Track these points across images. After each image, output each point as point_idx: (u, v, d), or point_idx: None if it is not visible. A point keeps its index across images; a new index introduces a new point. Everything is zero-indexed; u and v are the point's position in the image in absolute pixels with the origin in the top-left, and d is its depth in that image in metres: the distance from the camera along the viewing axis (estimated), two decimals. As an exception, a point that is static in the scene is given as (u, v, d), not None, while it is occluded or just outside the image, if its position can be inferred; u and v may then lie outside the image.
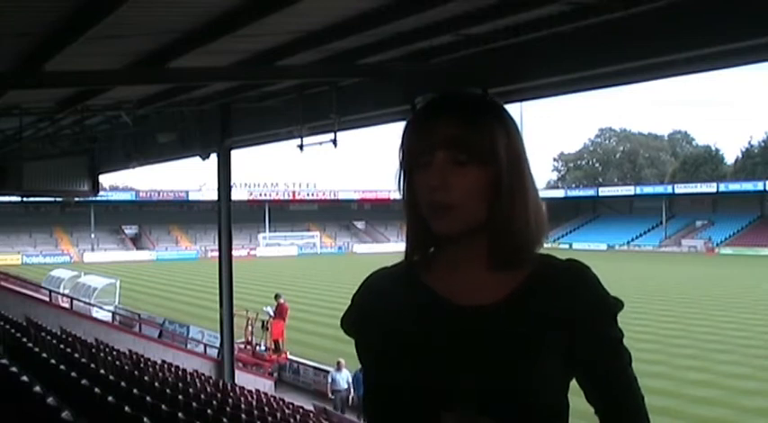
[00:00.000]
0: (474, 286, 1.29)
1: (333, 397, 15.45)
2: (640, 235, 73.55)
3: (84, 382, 8.03)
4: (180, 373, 14.43)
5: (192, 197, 70.77)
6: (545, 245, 1.34)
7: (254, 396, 13.11)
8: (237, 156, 19.47)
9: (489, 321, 1.26)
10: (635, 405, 1.32)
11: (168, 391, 9.72)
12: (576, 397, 1.33)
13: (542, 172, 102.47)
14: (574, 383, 1.32)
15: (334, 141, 11.10)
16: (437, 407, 1.23)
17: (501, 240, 1.28)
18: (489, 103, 1.31)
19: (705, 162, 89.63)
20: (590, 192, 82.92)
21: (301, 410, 12.61)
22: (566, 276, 1.29)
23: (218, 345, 17.55)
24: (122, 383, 8.99)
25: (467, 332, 1.26)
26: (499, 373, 1.23)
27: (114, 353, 14.97)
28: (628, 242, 72.00)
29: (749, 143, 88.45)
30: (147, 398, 8.03)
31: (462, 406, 1.22)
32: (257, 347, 20.02)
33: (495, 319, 1.26)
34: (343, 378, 15.40)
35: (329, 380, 15.80)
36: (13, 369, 8.31)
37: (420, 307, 1.30)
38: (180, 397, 9.11)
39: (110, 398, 7.25)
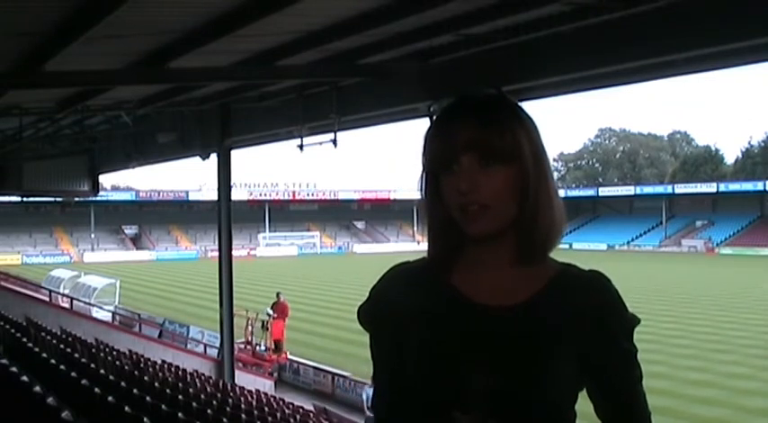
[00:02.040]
0: (496, 287, 1.30)
1: (370, 415, 14.87)
2: (640, 235, 73.54)
3: (84, 382, 8.02)
4: (180, 373, 14.42)
5: (192, 197, 70.74)
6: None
7: (254, 396, 13.11)
8: (237, 156, 19.49)
9: (507, 323, 1.27)
10: (641, 420, 1.33)
11: (168, 391, 9.71)
12: (583, 399, 1.34)
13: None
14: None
15: (335, 141, 11.10)
16: (450, 407, 1.24)
17: (528, 237, 1.29)
18: (507, 103, 1.32)
19: (705, 162, 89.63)
20: (590, 192, 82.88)
21: (301, 410, 12.61)
22: (587, 286, 1.31)
23: (218, 345, 17.55)
24: (122, 383, 8.98)
25: (484, 333, 1.27)
26: (513, 376, 1.24)
27: (114, 353, 14.96)
28: (628, 242, 71.99)
29: (749, 143, 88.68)
30: (147, 398, 8.03)
31: (475, 406, 1.23)
32: (257, 347, 20.02)
33: (512, 321, 1.27)
34: None
35: (363, 397, 14.82)
36: (13, 369, 8.30)
37: (439, 306, 1.31)
38: (180, 397, 9.10)
39: (110, 398, 7.24)
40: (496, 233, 1.28)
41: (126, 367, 12.30)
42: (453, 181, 1.27)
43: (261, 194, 72.13)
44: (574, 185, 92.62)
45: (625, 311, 1.31)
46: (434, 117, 1.33)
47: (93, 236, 66.43)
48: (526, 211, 1.28)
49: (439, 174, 1.30)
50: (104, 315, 24.15)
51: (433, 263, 1.36)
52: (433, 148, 1.31)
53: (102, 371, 9.94)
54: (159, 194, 72.24)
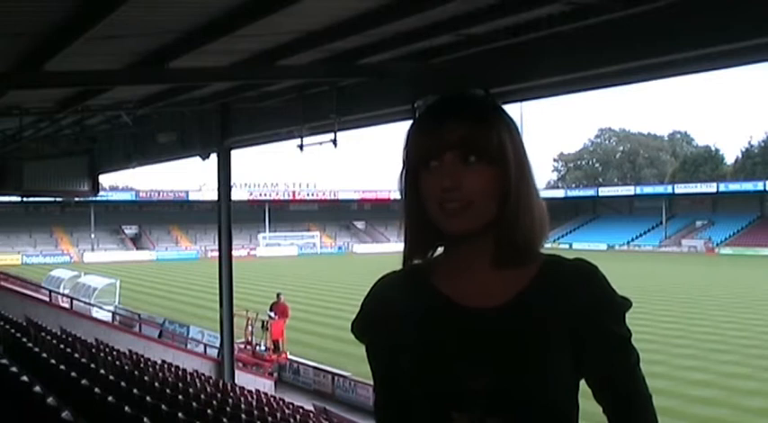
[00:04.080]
0: (481, 287, 1.30)
1: None
2: (640, 235, 73.53)
3: (84, 382, 8.02)
4: (180, 373, 14.42)
5: (192, 197, 70.73)
6: (545, 245, 1.35)
7: (254, 396, 13.10)
8: (237, 156, 19.48)
9: (497, 322, 1.27)
10: (643, 404, 1.32)
11: (168, 391, 9.71)
12: (583, 399, 1.33)
13: (542, 172, 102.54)
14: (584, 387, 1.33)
15: (335, 141, 11.09)
16: (448, 409, 1.25)
17: (508, 238, 1.29)
18: (494, 104, 1.32)
19: (705, 162, 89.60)
20: (590, 192, 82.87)
21: (301, 410, 12.61)
22: (573, 275, 1.30)
23: (218, 345, 17.55)
24: (122, 383, 8.98)
25: (475, 333, 1.27)
26: (508, 374, 1.24)
27: (114, 353, 14.96)
28: (628, 242, 71.97)
29: (749, 143, 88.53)
30: (147, 398, 8.02)
31: (472, 406, 1.24)
32: (257, 347, 20.03)
33: (502, 319, 1.27)
34: None
35: None
36: (13, 369, 8.30)
37: (428, 310, 1.31)
38: (180, 397, 9.10)
39: (110, 398, 7.24)
40: (475, 232, 1.28)
41: (126, 367, 12.29)
42: (435, 177, 1.26)
43: (261, 194, 72.11)
44: (574, 185, 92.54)
45: (615, 296, 1.30)
46: (419, 113, 1.33)
47: (93, 236, 66.41)
48: (507, 212, 1.28)
49: (419, 171, 1.30)
50: (104, 315, 24.13)
51: (416, 267, 1.36)
52: (417, 144, 1.30)
53: (102, 371, 9.93)
54: (159, 194, 72.20)
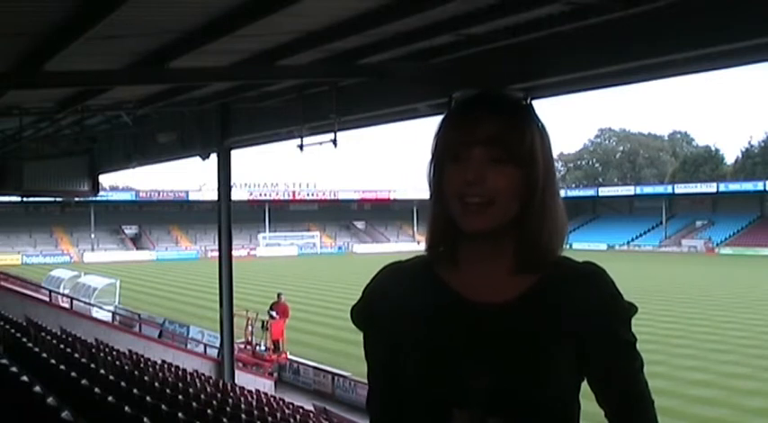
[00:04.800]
0: (490, 284, 1.29)
1: None
2: (640, 235, 73.52)
3: (84, 382, 8.02)
4: (180, 373, 14.41)
5: (192, 197, 70.69)
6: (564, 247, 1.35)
7: (254, 396, 13.10)
8: (237, 156, 19.48)
9: (501, 319, 1.27)
10: (644, 408, 1.32)
11: (168, 391, 9.71)
12: (584, 399, 1.33)
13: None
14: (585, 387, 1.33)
15: (334, 141, 11.09)
16: (449, 405, 1.24)
17: (528, 242, 1.28)
18: (531, 108, 1.32)
19: (705, 162, 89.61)
20: (590, 192, 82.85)
21: (301, 410, 12.61)
22: (582, 277, 1.30)
23: (218, 345, 17.55)
24: (122, 383, 8.97)
25: (480, 331, 1.27)
26: (510, 372, 1.24)
27: (114, 353, 14.95)
28: (628, 242, 71.96)
29: (749, 143, 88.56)
30: (147, 398, 8.02)
31: (474, 404, 1.23)
32: (257, 347, 20.03)
33: (507, 317, 1.27)
34: None
35: None
36: (13, 369, 8.29)
37: (434, 304, 1.30)
38: (180, 397, 9.09)
39: (110, 398, 7.24)
40: (492, 232, 1.27)
41: (126, 367, 12.28)
42: (460, 170, 1.26)
43: (261, 194, 72.07)
44: (574, 185, 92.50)
45: (622, 301, 1.30)
46: (454, 104, 1.32)
47: (93, 236, 66.40)
48: (531, 213, 1.27)
49: (445, 164, 1.29)
50: (104, 315, 24.13)
51: (429, 260, 1.35)
52: (447, 137, 1.30)
53: (102, 371, 9.92)
54: (159, 194, 72.17)
